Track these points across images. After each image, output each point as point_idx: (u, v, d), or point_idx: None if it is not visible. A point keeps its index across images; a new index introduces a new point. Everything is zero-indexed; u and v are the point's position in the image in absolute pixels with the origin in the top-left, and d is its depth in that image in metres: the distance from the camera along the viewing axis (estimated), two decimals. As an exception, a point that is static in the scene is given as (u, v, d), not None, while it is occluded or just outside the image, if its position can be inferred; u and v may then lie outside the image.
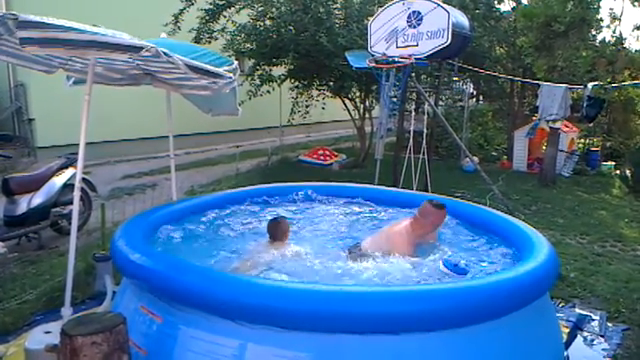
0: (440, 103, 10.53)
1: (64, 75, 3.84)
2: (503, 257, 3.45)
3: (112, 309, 3.08)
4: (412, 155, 7.30)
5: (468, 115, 13.12)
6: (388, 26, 7.23)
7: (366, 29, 7.68)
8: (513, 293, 2.61)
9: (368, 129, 11.81)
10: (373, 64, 7.21)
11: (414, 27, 7.01)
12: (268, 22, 9.77)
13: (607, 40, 11.39)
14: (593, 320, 4.07)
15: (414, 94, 8.97)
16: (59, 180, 5.69)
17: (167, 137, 4.52)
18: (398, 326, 2.36)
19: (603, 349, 3.66)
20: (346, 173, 10.28)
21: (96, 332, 2.11)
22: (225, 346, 2.43)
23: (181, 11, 9.83)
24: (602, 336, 3.83)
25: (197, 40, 9.72)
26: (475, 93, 16.86)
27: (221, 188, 8.16)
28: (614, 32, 11.66)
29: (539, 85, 9.50)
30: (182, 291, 2.55)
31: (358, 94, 11.38)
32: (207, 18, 9.90)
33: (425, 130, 7.91)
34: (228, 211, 4.48)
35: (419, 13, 6.95)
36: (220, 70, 3.46)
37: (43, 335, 2.94)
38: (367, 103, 11.57)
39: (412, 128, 7.48)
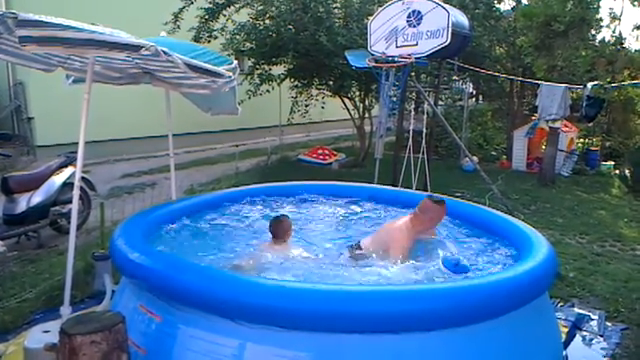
0: (440, 102, 10.51)
1: (63, 74, 3.84)
2: (502, 257, 3.45)
3: (111, 308, 3.07)
4: (412, 154, 7.30)
5: (468, 115, 13.13)
6: (388, 25, 7.22)
7: (366, 28, 7.68)
8: (512, 292, 2.62)
9: (368, 128, 11.81)
10: (373, 63, 7.21)
11: (414, 26, 7.01)
12: (268, 21, 9.75)
13: (607, 40, 11.39)
14: (592, 320, 4.08)
15: (414, 93, 8.99)
16: (58, 179, 5.69)
17: (166, 136, 4.51)
18: (398, 325, 2.36)
19: (602, 348, 3.67)
20: (346, 172, 10.27)
21: (95, 331, 2.11)
22: (224, 346, 2.43)
23: (181, 10, 9.82)
24: (601, 335, 3.84)
25: (197, 39, 9.70)
26: (475, 93, 16.87)
27: (221, 187, 8.16)
28: (614, 32, 11.66)
29: (539, 85, 9.50)
30: (181, 290, 2.55)
31: (358, 93, 11.38)
32: (207, 17, 9.89)
33: (425, 129, 7.90)
34: (227, 210, 4.48)
35: (419, 12, 6.95)
36: (219, 69, 3.46)
37: (42, 334, 2.95)
38: (367, 102, 11.57)
39: (412, 127, 7.48)
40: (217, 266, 3.18)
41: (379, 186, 5.79)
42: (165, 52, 2.90)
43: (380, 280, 3.01)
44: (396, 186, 6.81)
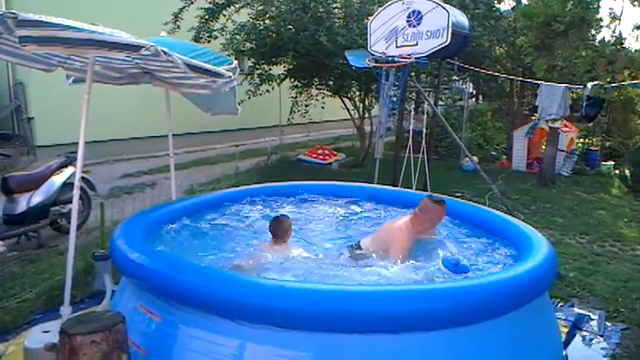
0: (440, 102, 10.51)
1: (63, 74, 3.84)
2: (502, 257, 3.45)
3: (111, 308, 3.07)
4: (412, 154, 7.31)
5: (468, 115, 13.12)
6: (388, 25, 7.22)
7: (366, 28, 7.68)
8: (512, 292, 2.62)
9: (368, 128, 11.81)
10: (373, 63, 7.21)
11: (414, 26, 7.01)
12: (268, 21, 9.75)
13: (607, 40, 11.41)
14: (592, 319, 4.07)
15: (414, 93, 8.98)
16: (58, 179, 5.69)
17: (166, 136, 4.51)
18: (398, 325, 2.36)
19: (602, 348, 3.67)
20: (346, 172, 10.27)
21: (95, 331, 2.11)
22: (225, 346, 2.43)
23: (181, 10, 9.82)
24: (601, 335, 3.83)
25: (197, 39, 9.71)
26: (475, 93, 16.87)
27: (221, 187, 8.16)
28: (614, 32, 11.69)
29: (539, 85, 9.49)
30: (181, 290, 2.55)
31: (358, 93, 11.38)
32: (207, 17, 9.89)
33: (425, 129, 7.91)
34: (227, 210, 4.48)
35: (419, 12, 6.95)
36: (219, 69, 3.46)
37: (42, 334, 2.94)
38: (366, 102, 11.57)
39: (412, 127, 7.48)
40: (217, 266, 3.18)
41: (379, 186, 5.79)
42: (165, 52, 2.90)
43: (380, 280, 3.01)
44: (396, 186, 6.81)
